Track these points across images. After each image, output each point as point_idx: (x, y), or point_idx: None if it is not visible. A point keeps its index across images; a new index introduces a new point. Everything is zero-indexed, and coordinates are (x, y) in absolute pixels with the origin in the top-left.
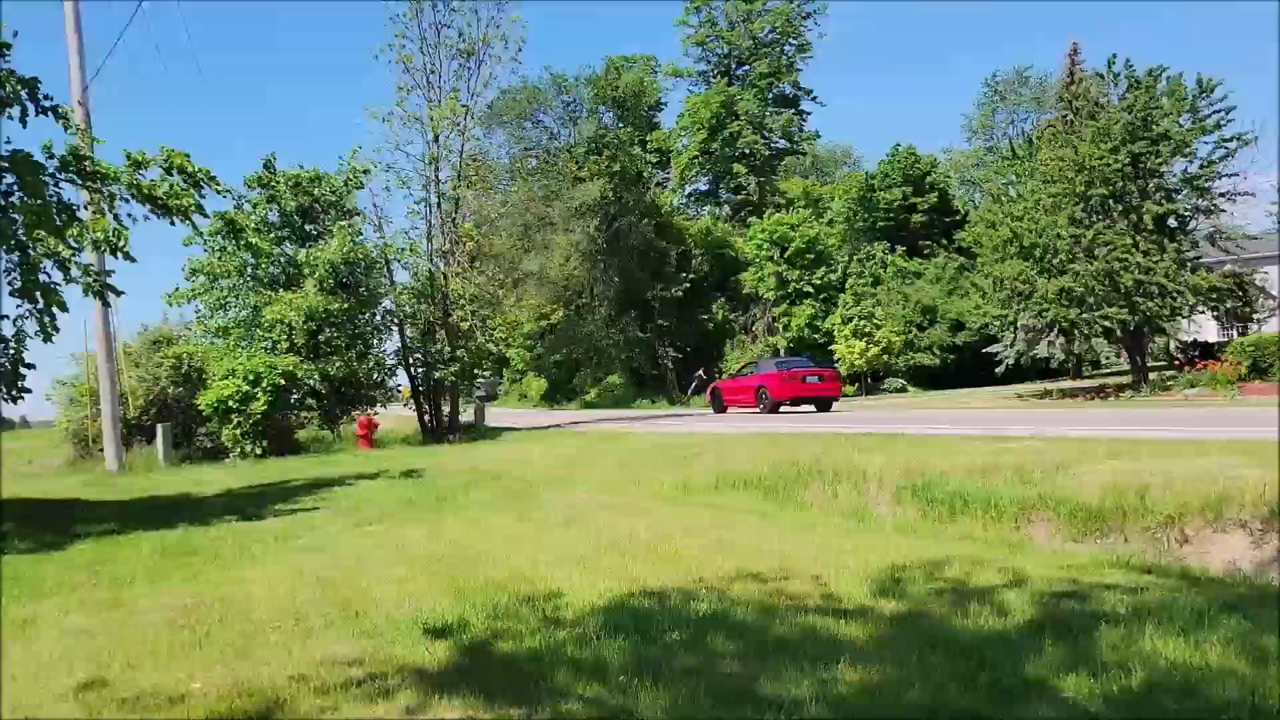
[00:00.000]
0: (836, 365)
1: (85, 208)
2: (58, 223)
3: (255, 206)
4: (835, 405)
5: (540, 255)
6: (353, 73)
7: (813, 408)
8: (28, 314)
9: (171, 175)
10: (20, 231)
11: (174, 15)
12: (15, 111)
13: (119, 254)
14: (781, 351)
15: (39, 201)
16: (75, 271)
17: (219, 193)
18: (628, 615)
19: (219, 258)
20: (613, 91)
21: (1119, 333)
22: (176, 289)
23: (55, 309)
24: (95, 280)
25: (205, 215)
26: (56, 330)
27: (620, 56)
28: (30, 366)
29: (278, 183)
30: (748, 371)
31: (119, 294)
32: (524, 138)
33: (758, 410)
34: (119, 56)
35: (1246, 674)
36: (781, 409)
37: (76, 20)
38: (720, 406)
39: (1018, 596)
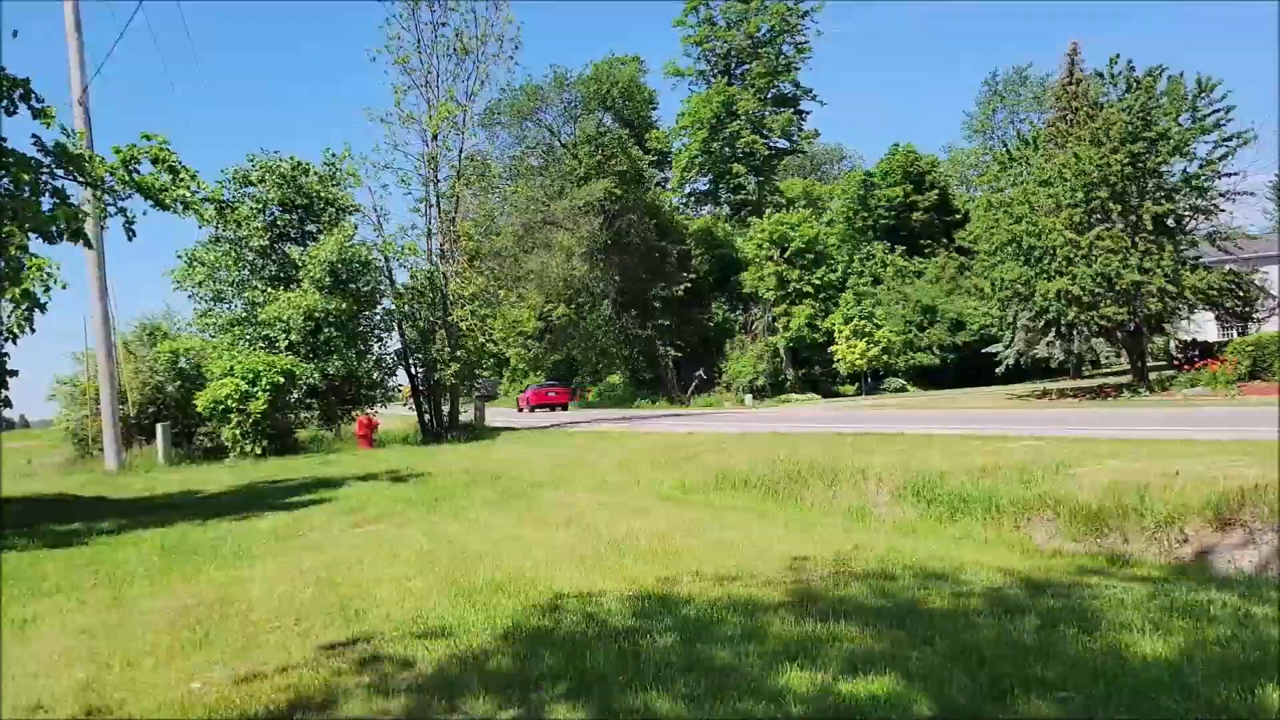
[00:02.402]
0: (570, 387)
1: (66, 204)
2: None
3: (255, 204)
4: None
5: (542, 254)
6: (354, 73)
7: (559, 411)
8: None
9: (156, 167)
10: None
11: (174, 15)
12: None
13: (78, 239)
14: (781, 351)
15: (23, 191)
16: (30, 267)
17: (196, 183)
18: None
19: (215, 246)
20: (604, 92)
21: (1118, 333)
22: (178, 269)
23: (29, 305)
24: (43, 275)
25: (199, 207)
26: (32, 329)
27: (609, 59)
28: (13, 374)
29: (262, 179)
30: (524, 389)
31: (63, 287)
32: (525, 137)
33: (525, 410)
34: (119, 56)
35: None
36: (535, 410)
37: (76, 20)
38: (519, 408)
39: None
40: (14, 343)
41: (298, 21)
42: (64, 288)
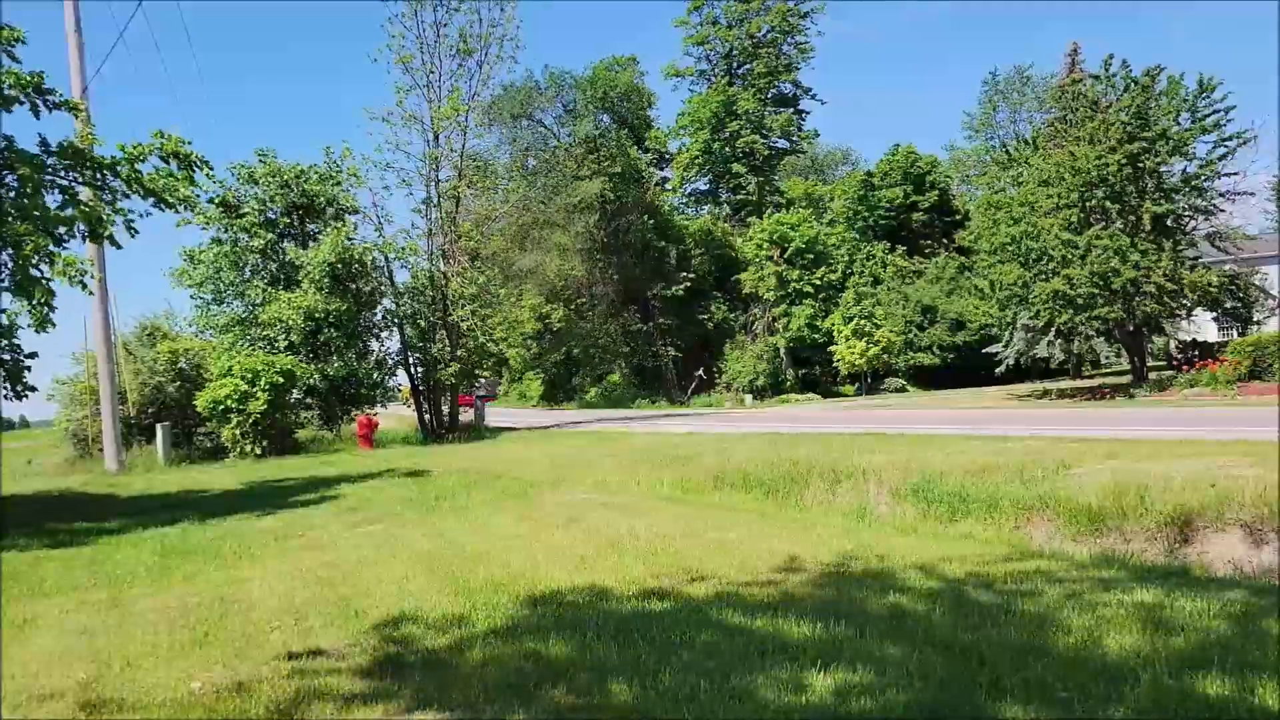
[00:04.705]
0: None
1: (83, 204)
2: (39, 214)
3: (258, 203)
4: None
5: (538, 253)
6: (354, 73)
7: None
8: (20, 309)
9: (168, 163)
10: (17, 224)
11: (174, 15)
12: (20, 108)
13: (102, 239)
14: (781, 351)
15: (30, 191)
16: (59, 264)
17: (209, 175)
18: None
19: (216, 247)
20: (605, 93)
21: (1117, 333)
22: (178, 269)
23: (46, 304)
24: (76, 271)
25: (199, 203)
26: (53, 325)
27: (608, 59)
28: (33, 355)
29: (266, 179)
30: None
31: (97, 279)
32: (520, 137)
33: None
34: (119, 56)
35: None
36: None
37: (76, 20)
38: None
39: None
40: (45, 330)
41: (299, 21)
42: (99, 280)
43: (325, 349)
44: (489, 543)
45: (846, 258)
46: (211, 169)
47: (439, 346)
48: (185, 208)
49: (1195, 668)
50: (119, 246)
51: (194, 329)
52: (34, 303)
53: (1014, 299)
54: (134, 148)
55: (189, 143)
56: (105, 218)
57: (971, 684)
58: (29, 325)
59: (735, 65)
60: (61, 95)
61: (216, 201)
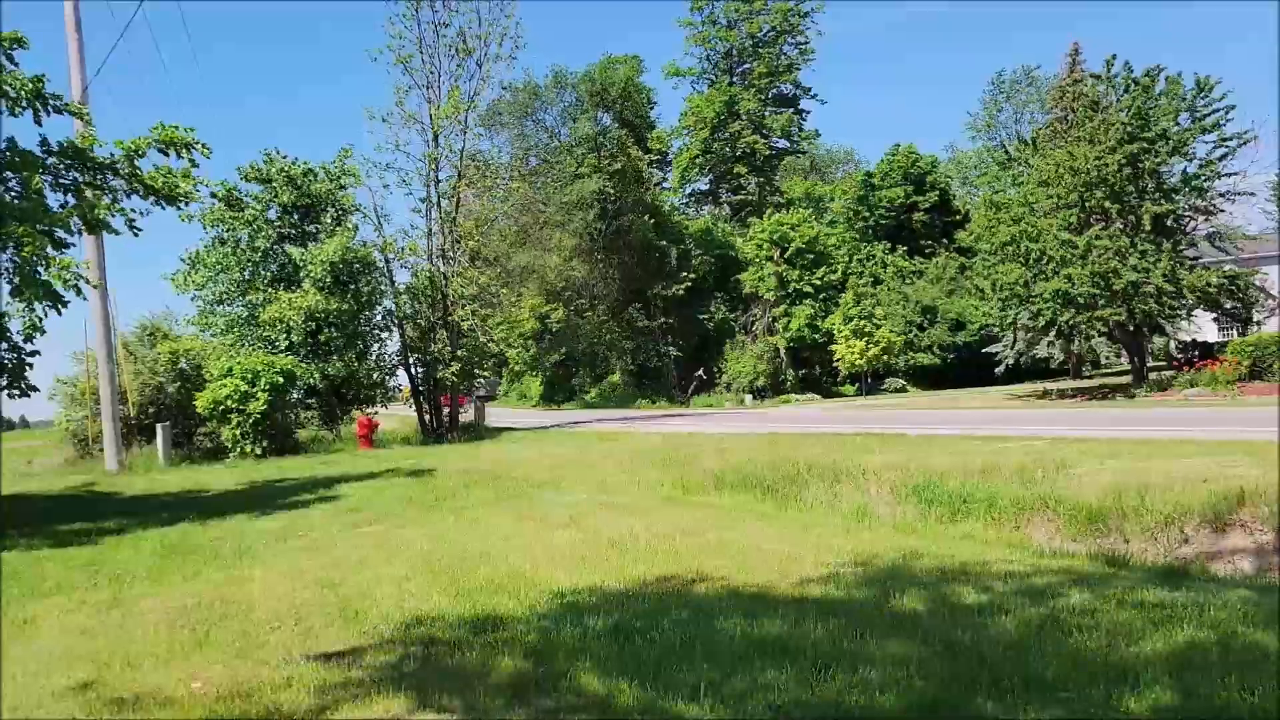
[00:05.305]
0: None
1: (85, 199)
2: (42, 213)
3: (257, 200)
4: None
5: (538, 251)
6: (354, 73)
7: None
8: (17, 311)
9: (166, 154)
10: (15, 226)
11: (174, 15)
12: (25, 112)
13: (99, 229)
14: (781, 351)
15: (34, 194)
16: (54, 267)
17: (205, 154)
18: None
19: (218, 247)
20: (605, 93)
21: (1117, 333)
22: (178, 273)
23: (46, 306)
24: (71, 275)
25: (201, 199)
26: (41, 331)
27: (607, 58)
28: (35, 354)
29: (273, 178)
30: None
31: (95, 286)
32: (524, 135)
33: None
34: (119, 56)
35: None
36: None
37: (76, 20)
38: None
39: None
40: (31, 341)
41: (299, 21)
42: (96, 288)
43: (325, 349)
44: (489, 543)
45: (847, 258)
46: (209, 149)
47: (439, 347)
48: (186, 202)
49: (1195, 667)
50: (115, 233)
51: (194, 330)
52: (28, 305)
53: (1014, 299)
54: (132, 143)
55: (188, 129)
56: (101, 206)
57: (972, 684)
58: (19, 331)
59: (736, 65)
60: (62, 99)
61: (219, 196)
